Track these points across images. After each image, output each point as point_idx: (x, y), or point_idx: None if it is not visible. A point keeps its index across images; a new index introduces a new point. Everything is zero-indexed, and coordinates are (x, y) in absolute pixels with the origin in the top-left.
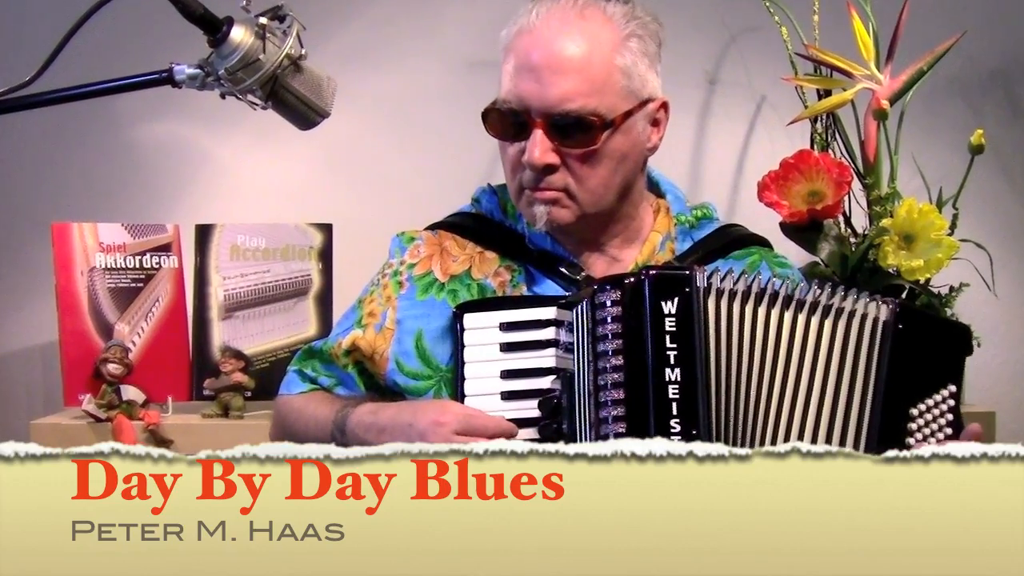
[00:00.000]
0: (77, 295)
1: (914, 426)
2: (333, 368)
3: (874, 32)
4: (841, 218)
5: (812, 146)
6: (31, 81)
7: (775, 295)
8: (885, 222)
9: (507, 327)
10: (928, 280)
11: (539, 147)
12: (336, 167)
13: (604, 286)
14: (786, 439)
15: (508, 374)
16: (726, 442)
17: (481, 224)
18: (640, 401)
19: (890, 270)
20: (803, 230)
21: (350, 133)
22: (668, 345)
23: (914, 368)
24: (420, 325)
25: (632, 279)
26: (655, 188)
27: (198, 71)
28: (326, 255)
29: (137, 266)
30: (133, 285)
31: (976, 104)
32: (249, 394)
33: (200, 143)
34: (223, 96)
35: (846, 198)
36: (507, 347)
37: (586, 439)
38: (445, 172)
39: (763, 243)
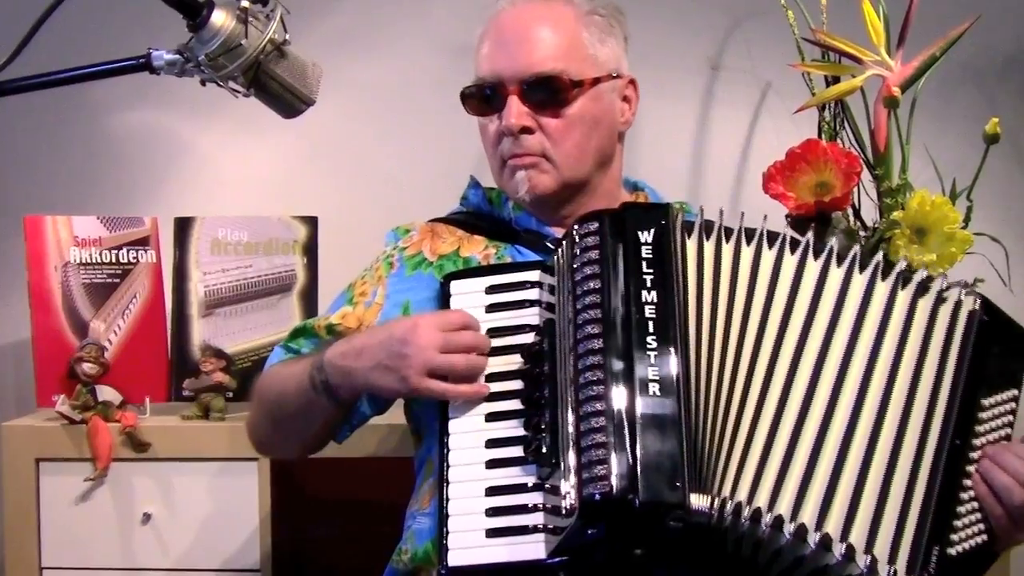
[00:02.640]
0: (50, 291)
1: (985, 416)
2: (316, 341)
3: (884, 16)
4: (850, 210)
5: (820, 135)
6: (2, 68)
7: (792, 242)
8: (896, 215)
9: (492, 289)
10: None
11: (514, 111)
12: (321, 157)
13: (584, 222)
14: (809, 393)
15: (493, 332)
16: (715, 374)
17: (471, 217)
18: (616, 320)
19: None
20: (810, 223)
21: (336, 122)
22: (644, 270)
23: (989, 362)
24: (408, 297)
25: (610, 211)
26: (634, 188)
27: (177, 57)
28: (311, 249)
29: (113, 261)
30: (109, 281)
31: (991, 92)
32: (231, 395)
33: (179, 132)
34: (203, 83)
35: (855, 190)
36: (492, 308)
37: (566, 369)
38: (434, 162)
39: None
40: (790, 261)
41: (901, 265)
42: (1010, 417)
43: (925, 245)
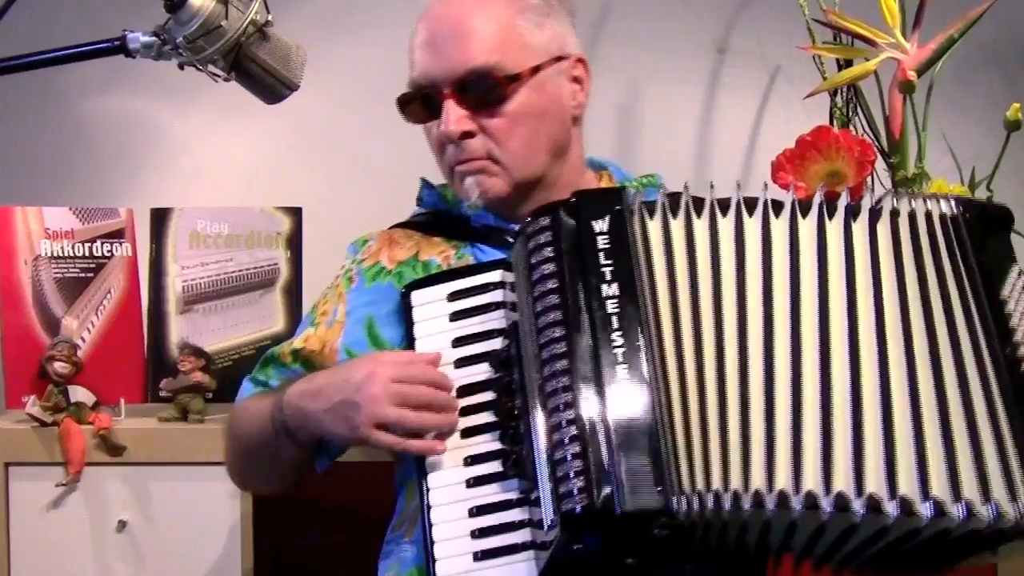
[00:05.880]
0: (20, 286)
1: (1011, 307)
2: (284, 371)
3: None
4: None
5: (831, 122)
6: None
7: (775, 205)
8: None
9: (454, 295)
10: None
11: (452, 116)
12: (306, 145)
13: (535, 217)
14: (823, 354)
15: (459, 341)
16: (692, 363)
17: (432, 217)
18: (578, 319)
19: None
20: None
21: (321, 107)
22: (603, 262)
23: (988, 256)
24: (370, 312)
25: (563, 202)
26: (597, 168)
27: (154, 39)
28: (295, 242)
29: (86, 254)
30: (82, 275)
31: (1012, 76)
32: (210, 395)
33: (156, 119)
34: (182, 67)
35: (869, 179)
36: (456, 315)
37: (534, 374)
38: (423, 151)
39: None
40: (778, 226)
41: (842, 203)
42: None
43: None
